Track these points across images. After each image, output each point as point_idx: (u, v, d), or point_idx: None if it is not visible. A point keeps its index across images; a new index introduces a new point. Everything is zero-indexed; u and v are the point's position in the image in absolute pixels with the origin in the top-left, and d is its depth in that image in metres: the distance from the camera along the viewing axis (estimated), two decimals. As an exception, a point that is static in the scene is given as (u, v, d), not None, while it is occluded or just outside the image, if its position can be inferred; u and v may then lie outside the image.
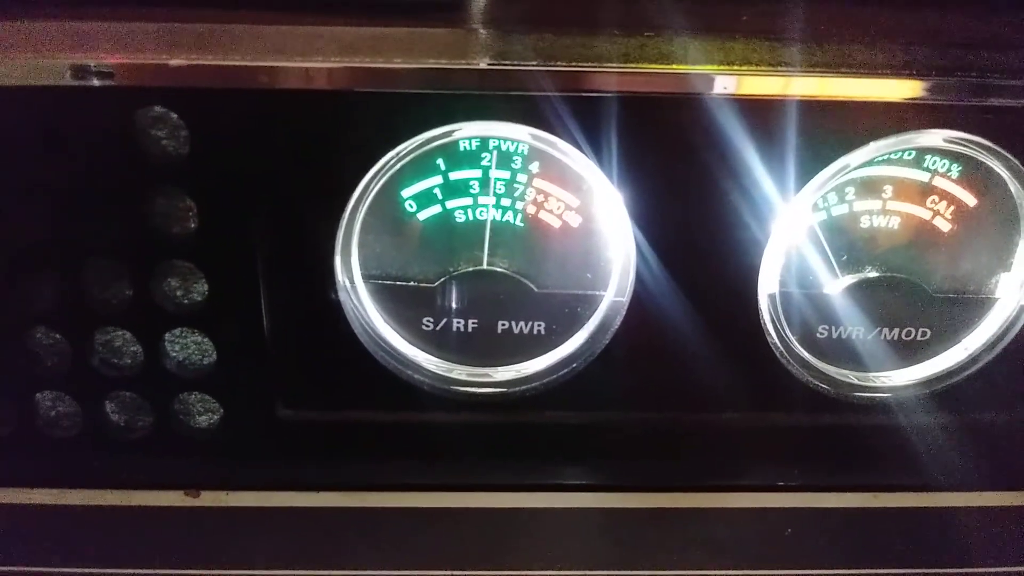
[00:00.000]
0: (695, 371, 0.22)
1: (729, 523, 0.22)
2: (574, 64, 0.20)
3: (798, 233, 0.22)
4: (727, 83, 0.20)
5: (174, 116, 0.19)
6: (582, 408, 0.22)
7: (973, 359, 0.23)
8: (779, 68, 0.21)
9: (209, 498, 0.22)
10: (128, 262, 0.20)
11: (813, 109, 0.20)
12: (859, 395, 0.23)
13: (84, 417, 0.22)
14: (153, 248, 0.20)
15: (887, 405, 0.23)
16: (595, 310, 0.22)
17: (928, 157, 0.22)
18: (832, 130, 0.20)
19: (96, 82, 0.19)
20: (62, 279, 0.21)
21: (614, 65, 0.20)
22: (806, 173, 0.20)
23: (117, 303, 0.21)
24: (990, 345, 0.23)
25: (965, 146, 0.21)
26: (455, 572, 0.20)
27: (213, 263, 0.21)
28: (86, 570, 0.20)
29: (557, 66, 0.20)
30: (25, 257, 0.20)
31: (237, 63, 0.19)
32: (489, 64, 0.20)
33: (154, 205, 0.20)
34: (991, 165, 0.21)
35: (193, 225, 0.20)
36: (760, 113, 0.20)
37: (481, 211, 0.22)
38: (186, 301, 0.21)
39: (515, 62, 0.20)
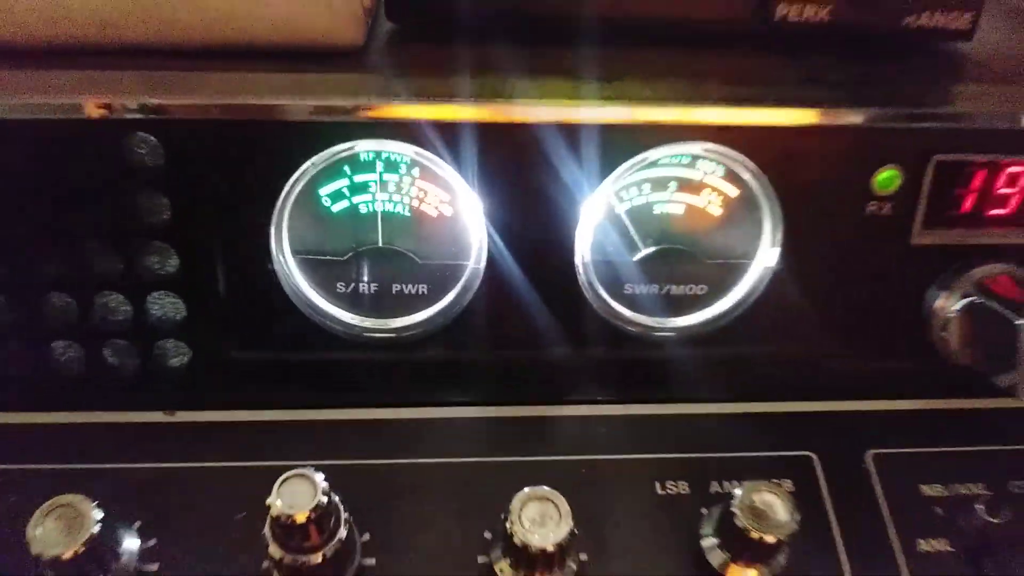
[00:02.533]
0: (532, 319, 0.30)
1: (560, 425, 0.30)
2: (434, 99, 0.28)
3: (603, 217, 0.30)
4: (544, 112, 0.28)
5: (153, 139, 0.27)
6: (453, 348, 0.31)
7: (736, 306, 0.31)
8: (581, 101, 0.29)
9: (182, 415, 0.29)
10: (121, 244, 0.28)
11: (602, 129, 0.28)
12: (655, 335, 0.31)
13: (87, 360, 0.29)
14: (140, 233, 0.28)
15: (675, 341, 0.31)
16: (461, 275, 0.30)
17: (699, 161, 0.30)
18: (617, 143, 0.28)
19: (104, 114, 0.26)
20: (72, 258, 0.28)
21: (466, 100, 0.28)
22: (601, 174, 0.28)
23: (113, 274, 0.28)
24: (747, 296, 0.31)
25: (721, 153, 0.29)
26: (365, 461, 0.28)
27: (183, 244, 0.28)
28: (89, 466, 0.28)
29: (423, 101, 0.28)
30: (47, 242, 0.28)
31: (199, 101, 0.27)
32: (375, 100, 0.27)
33: (140, 202, 0.27)
34: (737, 167, 0.30)
35: (168, 216, 0.27)
36: (566, 132, 0.28)
37: (378, 204, 0.30)
38: (163, 272, 0.28)
39: (394, 98, 0.28)
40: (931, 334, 0.31)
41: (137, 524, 0.27)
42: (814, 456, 0.31)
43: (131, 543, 0.26)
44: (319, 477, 0.23)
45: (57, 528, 0.24)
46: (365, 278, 0.30)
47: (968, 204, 0.30)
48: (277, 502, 0.23)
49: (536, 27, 0.31)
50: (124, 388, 0.30)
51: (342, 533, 0.24)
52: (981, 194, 0.30)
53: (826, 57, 0.32)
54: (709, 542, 0.27)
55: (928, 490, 0.30)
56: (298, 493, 0.23)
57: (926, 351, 0.31)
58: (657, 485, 0.30)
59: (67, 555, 0.24)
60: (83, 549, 0.24)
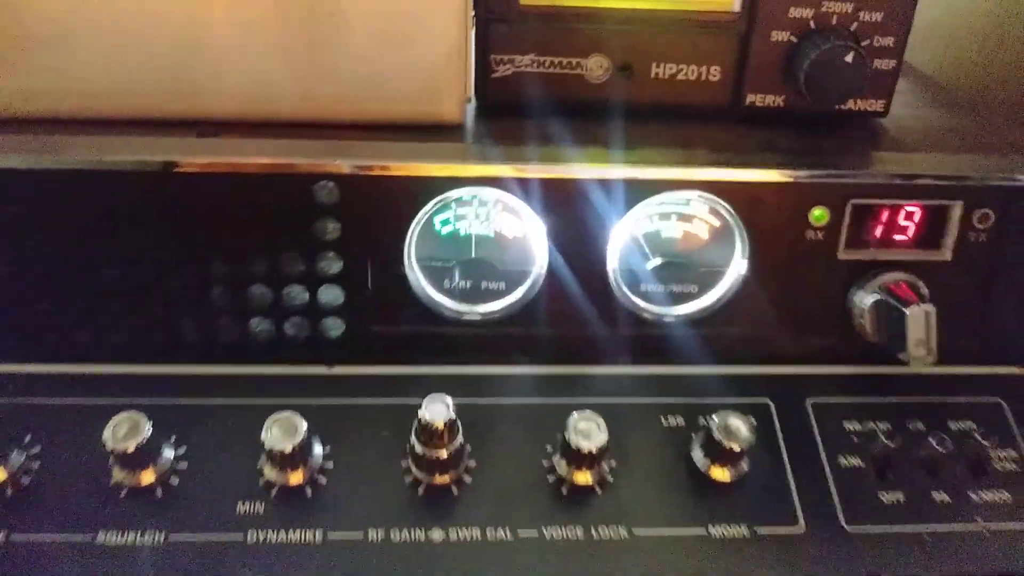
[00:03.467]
0: (577, 307, 0.42)
1: (596, 379, 0.43)
2: (512, 162, 0.41)
3: (626, 238, 0.43)
4: (587, 171, 0.41)
5: (332, 184, 0.40)
6: (522, 326, 0.41)
7: (718, 300, 0.44)
8: (612, 164, 0.42)
9: (338, 369, 0.42)
10: (305, 253, 0.41)
11: (626, 182, 0.41)
12: (662, 319, 0.44)
13: (276, 331, 0.42)
14: (318, 246, 0.41)
15: (675, 324, 0.44)
16: (528, 277, 0.42)
17: (692, 202, 0.42)
18: (636, 190, 0.41)
19: (304, 169, 0.39)
20: (271, 261, 0.41)
21: (534, 163, 0.41)
22: (625, 209, 0.41)
23: (297, 273, 0.41)
24: (725, 293, 0.44)
25: (707, 198, 0.43)
26: (465, 400, 0.40)
27: (346, 254, 0.40)
28: (278, 400, 0.40)
29: (505, 162, 0.41)
30: (256, 249, 0.40)
31: (362, 162, 0.40)
32: (474, 162, 0.41)
33: (320, 226, 0.40)
34: (718, 207, 0.43)
35: (337, 236, 0.41)
36: (603, 184, 0.40)
37: (472, 228, 0.43)
38: (331, 272, 0.41)
39: (486, 160, 0.41)
40: (853, 321, 0.43)
41: (317, 437, 0.38)
42: (770, 402, 0.42)
43: (317, 449, 0.39)
44: (449, 400, 0.36)
45: (277, 432, 0.37)
46: (463, 279, 0.43)
47: (876, 233, 0.42)
48: (425, 414, 0.36)
49: (579, 108, 0.44)
50: (299, 349, 0.41)
51: (460, 438, 0.37)
52: (886, 226, 0.43)
53: (780, 131, 0.43)
54: (697, 454, 0.40)
55: (848, 425, 0.42)
56: (436, 410, 0.36)
57: (849, 332, 0.42)
58: (662, 419, 0.41)
59: (288, 449, 0.37)
60: (299, 446, 0.36)
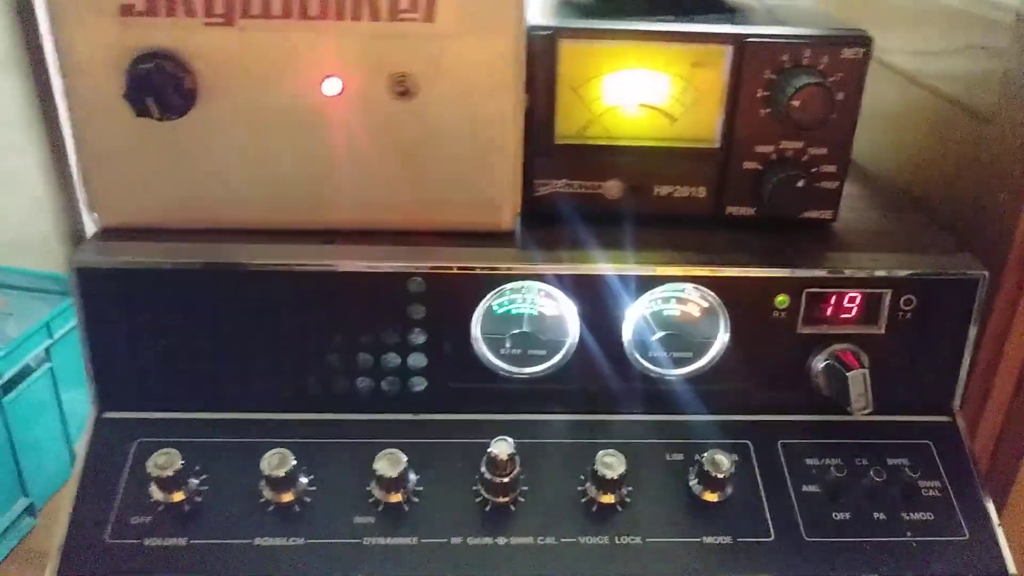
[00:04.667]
0: (600, 368, 0.56)
1: (613, 425, 0.56)
2: (552, 263, 0.55)
3: (637, 316, 0.56)
4: (609, 269, 0.55)
5: (420, 279, 0.53)
6: (559, 383, 0.53)
7: (707, 363, 0.56)
8: (626, 264, 0.55)
9: (422, 415, 0.54)
10: (399, 328, 0.54)
11: (638, 277, 0.54)
12: (667, 378, 0.57)
13: (374, 386, 0.56)
14: (407, 323, 0.54)
15: (676, 381, 0.57)
16: (563, 346, 0.54)
17: (687, 290, 0.56)
18: (644, 283, 0.55)
19: (398, 269, 0.53)
20: (374, 334, 0.54)
21: (569, 263, 0.55)
22: (635, 296, 0.54)
23: (393, 343, 0.55)
24: (713, 358, 0.57)
25: (697, 288, 0.56)
26: (516, 440, 0.53)
27: (429, 328, 0.52)
28: (379, 440, 0.54)
29: (548, 263, 0.55)
30: (364, 327, 0.54)
31: (440, 263, 0.54)
32: (523, 264, 0.54)
33: (411, 309, 0.54)
34: (706, 294, 0.56)
35: (423, 315, 0.54)
36: (621, 278, 0.54)
37: (522, 309, 0.56)
38: (417, 342, 0.54)
39: (532, 263, 0.55)
40: (811, 380, 0.55)
41: (411, 467, 0.50)
42: (750, 443, 0.52)
43: (412, 476, 0.52)
44: (511, 440, 0.50)
45: (385, 463, 0.50)
46: (514, 347, 0.53)
47: (827, 313, 0.55)
48: (493, 449, 0.49)
49: (600, 219, 0.57)
50: (393, 401, 0.51)
51: (518, 468, 0.50)
52: (834, 308, 0.55)
53: (753, 234, 0.53)
54: (693, 481, 0.52)
55: (809, 460, 0.52)
56: (501, 447, 0.49)
57: (809, 388, 0.51)
58: (667, 455, 0.52)
59: (394, 475, 0.50)
60: (401, 473, 0.49)
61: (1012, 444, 0.61)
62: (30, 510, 1.33)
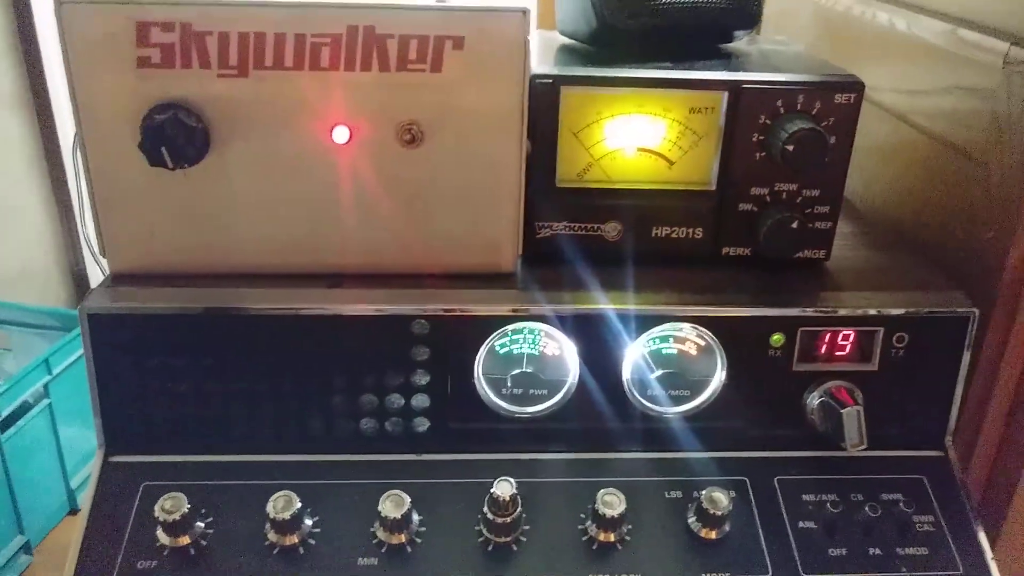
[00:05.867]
0: (599, 408, 0.57)
1: (614, 463, 0.57)
2: (553, 304, 0.56)
3: (636, 356, 0.58)
4: (609, 309, 0.56)
5: (424, 320, 0.55)
6: (559, 422, 0.55)
7: (704, 401, 0.58)
8: (626, 304, 0.57)
9: (425, 456, 0.55)
10: (403, 369, 0.56)
11: (636, 316, 0.56)
12: (664, 416, 0.58)
13: (379, 427, 0.57)
14: (411, 365, 0.55)
15: (674, 419, 0.58)
16: (564, 386, 0.56)
17: (684, 329, 0.57)
18: (643, 322, 0.56)
19: (404, 313, 0.55)
20: (380, 376, 0.55)
21: (569, 304, 0.56)
22: (635, 335, 0.56)
23: (398, 385, 0.56)
24: (709, 396, 0.58)
25: (694, 327, 0.57)
26: (516, 479, 0.55)
27: (432, 369, 0.54)
28: (383, 481, 0.54)
29: (548, 304, 0.56)
30: (369, 368, 0.55)
31: (443, 306, 0.55)
32: (524, 304, 0.56)
33: (414, 351, 0.55)
34: (703, 333, 0.57)
35: (427, 357, 0.55)
36: (621, 317, 0.56)
37: (523, 349, 0.57)
38: (420, 383, 0.55)
39: (534, 304, 0.56)
40: (806, 417, 0.57)
41: (413, 508, 0.50)
42: (747, 479, 0.53)
43: (415, 516, 0.53)
44: (513, 480, 0.50)
45: (390, 504, 0.51)
46: (516, 387, 0.55)
47: (821, 351, 0.57)
48: (496, 490, 0.50)
49: (600, 260, 0.58)
50: (397, 442, 0.52)
51: (519, 508, 0.51)
52: (828, 346, 0.57)
53: (749, 273, 0.55)
54: (692, 519, 0.54)
55: (805, 496, 0.53)
56: (504, 488, 0.50)
57: (804, 425, 0.52)
58: (665, 493, 0.54)
59: (399, 516, 0.51)
60: (404, 512, 0.50)
61: (1005, 476, 0.62)
62: (26, 547, 1.32)
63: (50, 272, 1.72)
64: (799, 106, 0.54)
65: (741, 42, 0.66)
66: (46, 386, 1.33)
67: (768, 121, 0.55)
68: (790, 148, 0.53)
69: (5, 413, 1.26)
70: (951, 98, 0.67)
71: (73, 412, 1.35)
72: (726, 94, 0.55)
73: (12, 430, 1.27)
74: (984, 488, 0.65)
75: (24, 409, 1.30)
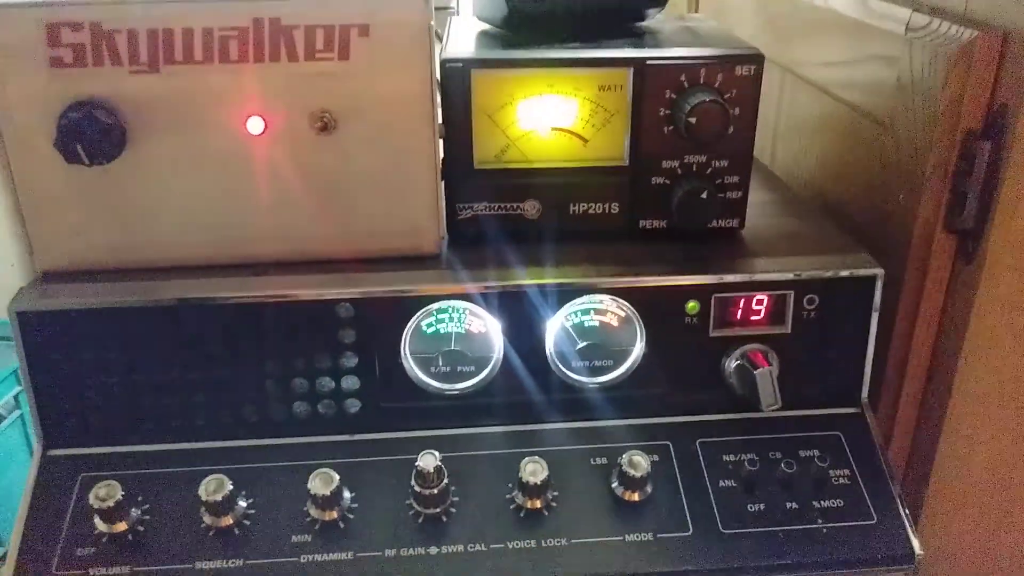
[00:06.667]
0: (523, 381, 0.59)
1: (539, 434, 0.59)
2: (477, 283, 0.57)
3: (558, 328, 0.59)
4: (531, 284, 0.58)
5: (349, 305, 0.56)
6: (486, 396, 0.57)
7: (626, 371, 0.59)
8: (547, 279, 0.58)
9: (357, 435, 0.57)
10: (331, 352, 0.57)
11: (558, 289, 0.58)
12: (587, 386, 0.60)
13: (311, 410, 0.58)
14: (339, 347, 0.57)
15: (597, 389, 0.60)
16: (490, 362, 0.57)
17: (605, 301, 0.59)
18: (564, 294, 0.58)
19: (326, 297, 0.56)
20: (307, 359, 0.57)
21: (493, 281, 0.58)
22: (556, 308, 0.57)
23: (326, 367, 0.57)
24: (631, 366, 0.60)
25: (614, 299, 0.59)
26: (446, 453, 0.56)
27: (360, 351, 0.56)
28: (313, 461, 0.56)
29: (472, 283, 0.58)
30: (297, 352, 0.57)
31: (369, 288, 0.57)
32: (447, 284, 0.57)
33: (340, 333, 0.57)
34: (623, 304, 0.59)
35: (353, 340, 0.57)
36: (542, 291, 0.57)
37: (449, 328, 0.59)
38: (349, 365, 0.57)
39: (457, 282, 0.58)
40: (725, 380, 0.59)
41: (345, 485, 0.52)
42: (670, 443, 0.56)
43: (346, 494, 0.54)
44: (436, 453, 0.52)
45: (318, 482, 0.52)
46: (444, 365, 0.58)
47: (736, 316, 0.59)
48: (420, 463, 0.52)
49: (521, 238, 0.60)
50: (328, 423, 0.54)
51: (446, 480, 0.53)
52: (742, 311, 0.59)
53: (665, 244, 0.57)
54: (615, 483, 0.56)
55: (725, 457, 0.56)
56: (427, 460, 0.52)
57: (723, 389, 0.56)
58: (591, 460, 0.57)
59: (327, 493, 0.52)
60: (333, 492, 0.52)
61: (927, 431, 0.65)
62: (3, 558, 1.32)
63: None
64: (701, 80, 0.56)
65: (656, 20, 0.68)
66: (16, 397, 1.33)
67: (673, 96, 0.56)
68: (693, 120, 0.54)
69: (-24, 424, 1.26)
70: (864, 68, 0.69)
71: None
72: (631, 71, 0.56)
73: (-17, 440, 1.27)
74: (911, 443, 0.68)
75: (-4, 420, 1.30)
